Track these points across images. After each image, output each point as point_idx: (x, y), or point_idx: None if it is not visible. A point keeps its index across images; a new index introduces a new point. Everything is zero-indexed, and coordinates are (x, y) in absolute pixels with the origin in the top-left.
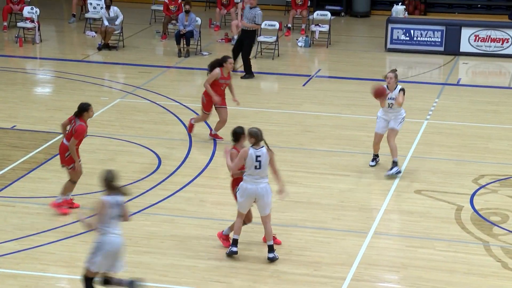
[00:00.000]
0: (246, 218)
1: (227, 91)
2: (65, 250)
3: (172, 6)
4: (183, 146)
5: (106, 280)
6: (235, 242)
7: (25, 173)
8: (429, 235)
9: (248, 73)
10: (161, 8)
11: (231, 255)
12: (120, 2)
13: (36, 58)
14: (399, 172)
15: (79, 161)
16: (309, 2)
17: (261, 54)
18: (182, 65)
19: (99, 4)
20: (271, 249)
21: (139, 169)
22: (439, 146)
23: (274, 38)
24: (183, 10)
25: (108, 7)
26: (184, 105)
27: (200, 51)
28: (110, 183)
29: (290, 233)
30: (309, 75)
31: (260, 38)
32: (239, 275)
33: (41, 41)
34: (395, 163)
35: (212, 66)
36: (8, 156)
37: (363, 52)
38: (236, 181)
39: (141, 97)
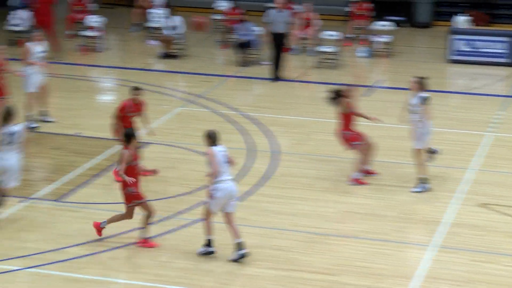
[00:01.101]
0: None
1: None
2: (128, 256)
3: (232, 16)
4: (242, 155)
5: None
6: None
7: (88, 179)
8: (495, 250)
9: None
10: (221, 17)
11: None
12: (181, 12)
13: (99, 66)
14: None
15: None
16: (370, 12)
17: (322, 64)
18: (241, 74)
19: (160, 14)
20: (239, 247)
21: (200, 177)
22: (504, 159)
23: (335, 48)
24: (239, 20)
25: (169, 17)
26: (244, 114)
27: (260, 60)
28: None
29: (351, 245)
30: (369, 86)
31: (321, 48)
32: (299, 285)
33: (104, 49)
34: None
35: (337, 98)
36: (73, 162)
37: (424, 63)
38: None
39: (202, 105)
